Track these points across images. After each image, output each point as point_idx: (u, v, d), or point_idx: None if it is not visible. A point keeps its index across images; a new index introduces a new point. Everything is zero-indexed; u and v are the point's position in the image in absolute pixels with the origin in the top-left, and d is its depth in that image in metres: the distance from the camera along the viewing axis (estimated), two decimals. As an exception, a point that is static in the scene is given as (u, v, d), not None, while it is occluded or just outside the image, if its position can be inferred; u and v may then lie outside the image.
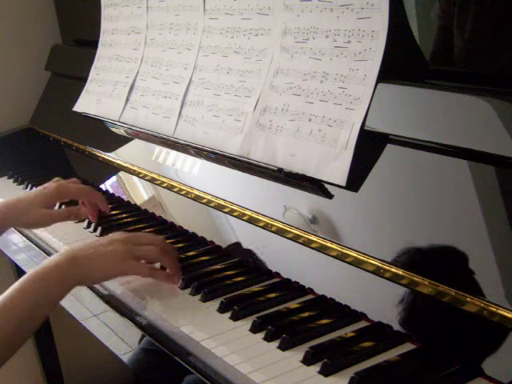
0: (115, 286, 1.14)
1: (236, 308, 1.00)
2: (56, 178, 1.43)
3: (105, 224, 1.39)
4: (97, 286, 1.17)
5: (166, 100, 1.46)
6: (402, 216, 0.96)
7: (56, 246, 1.36)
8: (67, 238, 1.37)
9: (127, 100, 1.60)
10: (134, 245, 1.07)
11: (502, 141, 0.85)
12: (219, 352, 0.91)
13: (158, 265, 1.13)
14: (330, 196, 1.05)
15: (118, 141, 1.63)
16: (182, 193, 1.36)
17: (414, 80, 0.99)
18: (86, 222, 1.41)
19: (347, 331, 0.93)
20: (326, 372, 0.84)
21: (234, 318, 0.99)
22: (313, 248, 1.05)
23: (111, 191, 1.63)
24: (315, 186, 1.06)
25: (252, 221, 1.17)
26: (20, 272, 1.90)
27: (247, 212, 1.18)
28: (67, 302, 1.39)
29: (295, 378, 0.84)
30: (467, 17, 0.96)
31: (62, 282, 1.00)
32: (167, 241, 1.29)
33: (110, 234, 1.10)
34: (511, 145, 0.84)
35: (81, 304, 1.28)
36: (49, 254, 1.36)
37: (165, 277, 1.08)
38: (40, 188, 1.35)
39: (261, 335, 0.94)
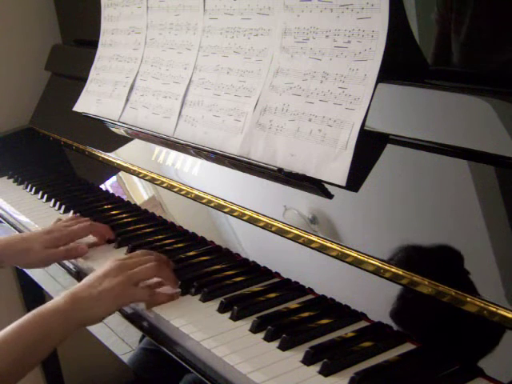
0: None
1: (236, 308, 1.00)
2: (58, 219, 1.41)
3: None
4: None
5: (166, 100, 1.46)
6: (402, 216, 0.96)
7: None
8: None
9: (127, 100, 1.60)
10: (130, 269, 1.07)
11: (502, 141, 0.85)
12: (219, 352, 0.91)
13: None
14: (329, 196, 1.05)
15: (118, 141, 1.63)
16: (182, 193, 1.36)
17: (414, 80, 0.99)
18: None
19: (347, 331, 0.93)
20: (326, 372, 0.84)
21: (234, 317, 0.99)
22: (313, 248, 1.05)
23: (111, 191, 1.63)
24: (315, 186, 1.06)
25: (252, 221, 1.17)
26: (20, 272, 1.90)
27: (247, 212, 1.18)
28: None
29: (295, 378, 0.84)
30: (464, 17, 0.97)
31: (62, 324, 1.00)
32: (167, 241, 1.30)
33: (104, 266, 1.08)
34: (511, 145, 0.84)
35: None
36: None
37: (165, 298, 1.07)
38: (44, 230, 1.31)
39: (261, 335, 0.94)
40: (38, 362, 1.02)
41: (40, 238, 1.27)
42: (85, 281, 1.06)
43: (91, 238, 1.33)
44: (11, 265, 1.43)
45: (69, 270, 1.30)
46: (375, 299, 0.96)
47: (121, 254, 1.27)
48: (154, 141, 1.48)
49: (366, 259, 0.96)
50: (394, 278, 0.92)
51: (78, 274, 1.27)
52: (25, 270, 1.61)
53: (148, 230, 1.37)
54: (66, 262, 1.31)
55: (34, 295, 1.95)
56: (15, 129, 2.04)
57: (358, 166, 1.01)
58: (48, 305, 1.01)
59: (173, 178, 1.40)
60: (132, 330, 1.09)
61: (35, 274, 1.58)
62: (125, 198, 1.56)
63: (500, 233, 0.84)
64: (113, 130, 1.66)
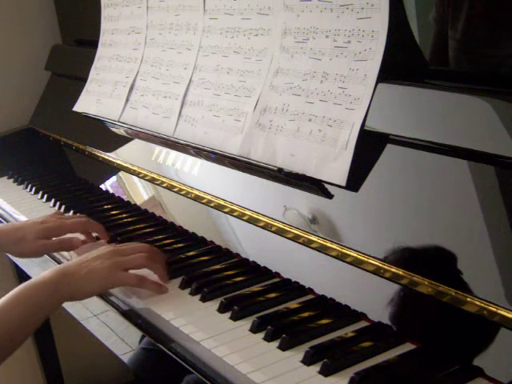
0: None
1: (236, 308, 1.00)
2: (55, 212, 1.42)
3: (105, 224, 1.39)
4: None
5: (166, 100, 1.46)
6: (402, 216, 0.96)
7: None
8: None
9: (127, 100, 1.60)
10: (121, 256, 1.09)
11: (502, 141, 0.85)
12: (219, 352, 0.91)
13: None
14: (329, 196, 1.05)
15: (118, 141, 1.63)
16: (182, 193, 1.36)
17: (414, 80, 0.99)
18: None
19: (347, 331, 0.93)
20: (326, 372, 0.84)
21: (234, 318, 0.99)
22: (313, 248, 1.05)
23: (111, 191, 1.63)
24: (315, 186, 1.06)
25: (252, 221, 1.17)
26: (20, 272, 1.90)
27: (247, 212, 1.18)
28: (67, 302, 1.39)
29: (295, 378, 0.85)
30: (462, 16, 0.97)
31: (51, 297, 1.03)
32: (167, 241, 1.30)
33: (98, 249, 1.12)
34: (511, 145, 0.84)
35: (81, 304, 1.28)
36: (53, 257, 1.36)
37: (152, 285, 1.09)
38: (38, 220, 1.32)
39: (261, 335, 0.94)
40: (29, 334, 1.04)
41: (33, 228, 1.29)
42: (76, 259, 1.09)
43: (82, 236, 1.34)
44: (4, 252, 1.44)
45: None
46: (375, 299, 0.96)
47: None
48: (153, 141, 1.48)
49: (366, 259, 0.96)
50: (394, 278, 0.92)
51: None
52: (24, 268, 1.62)
53: (148, 230, 1.37)
54: (62, 258, 1.32)
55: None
56: (15, 129, 2.04)
57: (357, 166, 1.01)
58: (37, 278, 1.04)
59: (173, 178, 1.40)
60: (132, 330, 1.09)
61: (34, 273, 1.58)
62: (125, 197, 1.56)
63: (500, 233, 0.84)
64: (113, 129, 1.66)
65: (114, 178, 1.66)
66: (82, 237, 1.32)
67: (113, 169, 1.63)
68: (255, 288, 1.08)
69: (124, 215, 1.47)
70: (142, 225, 1.40)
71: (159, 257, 1.15)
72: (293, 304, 1.01)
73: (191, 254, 1.22)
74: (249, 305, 1.02)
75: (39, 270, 1.49)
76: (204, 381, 0.90)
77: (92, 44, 1.80)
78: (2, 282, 1.96)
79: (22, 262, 1.60)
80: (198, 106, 1.37)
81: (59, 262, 1.32)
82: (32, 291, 1.02)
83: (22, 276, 1.92)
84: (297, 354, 0.89)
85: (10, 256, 1.68)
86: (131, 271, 1.10)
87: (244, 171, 1.22)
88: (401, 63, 1.05)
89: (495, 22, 0.95)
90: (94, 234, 1.34)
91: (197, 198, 1.32)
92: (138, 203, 1.51)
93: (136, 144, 1.59)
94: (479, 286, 0.83)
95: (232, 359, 0.89)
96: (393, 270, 0.93)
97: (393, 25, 1.00)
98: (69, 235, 1.30)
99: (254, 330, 0.96)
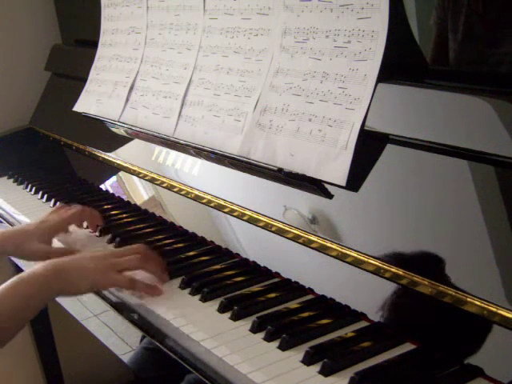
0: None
1: (236, 308, 1.00)
2: (56, 207, 1.43)
3: (105, 224, 1.39)
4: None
5: (166, 100, 1.46)
6: (401, 216, 0.96)
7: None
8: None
9: (127, 100, 1.60)
10: (115, 258, 1.10)
11: (502, 141, 0.85)
12: (219, 352, 0.91)
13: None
14: (329, 196, 1.05)
15: (118, 141, 1.63)
16: (182, 193, 1.36)
17: (414, 80, 0.99)
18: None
19: (347, 331, 0.93)
20: (325, 372, 0.84)
21: (234, 317, 0.99)
22: (313, 248, 1.05)
23: (111, 191, 1.63)
24: (315, 186, 1.06)
25: (252, 221, 1.17)
26: (19, 271, 1.89)
27: (247, 212, 1.18)
28: (67, 302, 1.40)
29: (295, 378, 0.84)
30: (461, 16, 0.97)
31: (42, 290, 1.04)
32: (167, 241, 1.30)
33: (93, 250, 1.14)
34: (511, 145, 0.84)
35: (81, 304, 1.28)
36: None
37: (144, 288, 1.09)
38: (38, 221, 1.34)
39: (261, 335, 0.94)
40: (21, 327, 1.05)
41: (35, 231, 1.30)
42: (72, 257, 1.10)
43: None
44: (8, 255, 1.46)
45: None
46: (375, 299, 0.96)
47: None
48: (153, 141, 1.48)
49: (366, 259, 0.96)
50: (394, 278, 0.92)
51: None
52: (24, 268, 1.61)
53: (148, 230, 1.37)
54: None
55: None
56: (15, 129, 2.04)
57: (358, 166, 1.01)
58: (29, 271, 1.05)
59: (173, 178, 1.40)
60: (132, 330, 1.09)
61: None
62: (125, 197, 1.56)
63: (500, 233, 0.84)
64: (113, 129, 1.66)
65: (113, 178, 1.66)
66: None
67: (113, 169, 1.63)
68: (255, 288, 1.08)
69: (124, 215, 1.47)
70: (141, 225, 1.40)
71: (154, 258, 1.15)
72: (293, 304, 1.01)
73: (191, 254, 1.22)
74: (249, 305, 1.02)
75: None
76: (204, 381, 0.90)
77: (92, 44, 1.80)
78: (1, 282, 1.96)
79: (23, 262, 1.60)
80: (198, 105, 1.37)
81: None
82: (24, 284, 1.03)
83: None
84: (297, 354, 0.89)
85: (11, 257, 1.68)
86: (127, 273, 1.10)
87: (244, 171, 1.22)
88: (401, 63, 1.05)
89: (495, 22, 0.95)
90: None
91: (197, 198, 1.32)
92: (138, 203, 1.51)
93: (136, 144, 1.59)
94: (479, 286, 0.83)
95: (232, 359, 0.89)
96: (393, 269, 0.93)
97: (393, 25, 1.00)
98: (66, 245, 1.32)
99: (254, 330, 0.96)
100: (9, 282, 1.03)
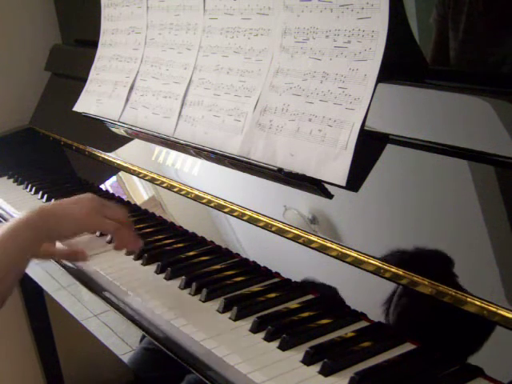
0: (117, 285, 1.14)
1: (236, 308, 1.00)
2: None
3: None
4: (97, 285, 1.17)
5: (166, 100, 1.46)
6: (401, 216, 0.96)
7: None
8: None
9: (127, 100, 1.60)
10: (101, 204, 1.11)
11: (502, 141, 0.85)
12: (219, 352, 0.91)
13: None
14: (330, 196, 1.05)
15: (118, 141, 1.63)
16: (182, 193, 1.36)
17: (414, 80, 0.99)
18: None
19: (347, 331, 0.93)
20: (325, 372, 0.84)
21: (234, 317, 0.99)
22: (313, 248, 1.05)
23: (111, 191, 1.63)
24: (315, 186, 1.06)
25: (252, 221, 1.17)
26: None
27: (247, 212, 1.18)
28: (67, 302, 1.40)
29: (295, 378, 0.85)
30: (462, 16, 0.97)
31: (31, 234, 1.03)
32: (167, 241, 1.30)
33: (79, 195, 1.13)
34: (511, 145, 0.84)
35: (81, 304, 1.28)
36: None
37: (128, 236, 1.10)
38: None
39: (261, 335, 0.94)
40: (17, 278, 1.05)
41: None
42: (58, 201, 1.12)
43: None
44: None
45: (68, 269, 1.30)
46: (375, 299, 0.96)
47: (120, 254, 1.27)
48: (153, 141, 1.48)
49: (366, 259, 0.96)
50: (394, 278, 0.92)
51: (78, 273, 1.27)
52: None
53: (148, 230, 1.37)
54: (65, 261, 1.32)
55: (33, 294, 1.96)
56: (15, 129, 2.04)
57: (357, 166, 1.01)
58: (19, 218, 1.04)
59: (173, 178, 1.40)
60: (132, 330, 1.09)
61: (35, 273, 1.58)
62: (125, 198, 1.56)
63: (500, 233, 0.84)
64: (113, 129, 1.66)
65: (113, 178, 1.66)
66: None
67: (113, 169, 1.63)
68: (255, 288, 1.08)
69: (124, 215, 1.47)
70: (142, 225, 1.40)
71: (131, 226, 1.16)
72: (293, 304, 1.01)
73: (191, 254, 1.22)
74: (249, 305, 1.02)
75: (40, 271, 1.49)
76: (204, 381, 0.90)
77: (92, 44, 1.80)
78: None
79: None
80: (198, 105, 1.37)
81: (64, 267, 1.32)
82: (16, 232, 1.02)
83: (22, 277, 1.92)
84: (297, 354, 0.89)
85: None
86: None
87: (244, 171, 1.22)
88: (401, 63, 1.05)
89: (496, 21, 0.95)
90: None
91: (197, 198, 1.32)
92: (138, 203, 1.51)
93: (136, 144, 1.59)
94: (479, 286, 0.83)
95: (232, 359, 0.89)
96: (393, 269, 0.93)
97: (393, 25, 1.00)
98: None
99: (254, 330, 0.96)
100: (7, 225, 1.02)
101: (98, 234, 1.36)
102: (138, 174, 1.53)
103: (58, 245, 1.31)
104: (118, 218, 1.12)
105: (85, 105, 1.75)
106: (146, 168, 1.50)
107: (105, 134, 1.69)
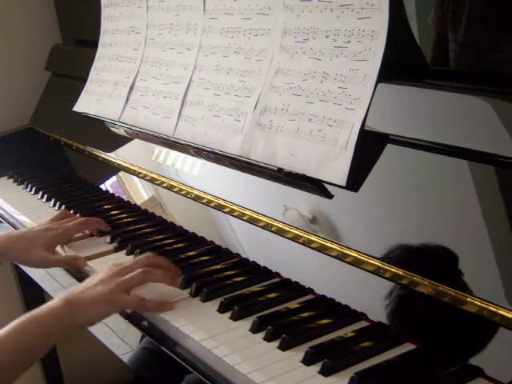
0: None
1: (236, 308, 1.00)
2: (59, 212, 1.44)
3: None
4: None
5: (166, 100, 1.46)
6: (401, 216, 0.96)
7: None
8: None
9: (127, 100, 1.60)
10: (121, 277, 1.06)
11: (502, 141, 0.85)
12: (219, 352, 0.91)
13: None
14: (329, 196, 1.05)
15: (118, 141, 1.63)
16: (182, 193, 1.36)
17: (414, 80, 0.99)
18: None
19: (347, 331, 0.93)
20: (325, 372, 0.84)
21: (234, 317, 0.99)
22: (313, 248, 1.05)
23: (111, 191, 1.63)
24: (315, 186, 1.06)
25: (252, 221, 1.17)
26: (20, 272, 1.90)
27: (247, 212, 1.18)
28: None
29: (295, 378, 0.84)
30: (461, 16, 0.97)
31: (57, 328, 1.01)
32: (167, 241, 1.30)
33: (97, 273, 1.10)
34: (511, 145, 0.84)
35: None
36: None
37: (153, 306, 1.06)
38: (43, 227, 1.33)
39: (261, 335, 0.94)
40: (34, 362, 1.03)
41: (39, 237, 1.29)
42: (80, 285, 1.07)
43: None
44: (10, 261, 1.44)
45: (68, 270, 1.30)
46: (375, 299, 0.96)
47: (121, 254, 1.27)
48: (153, 141, 1.48)
49: (366, 259, 0.96)
50: (394, 278, 0.92)
51: (78, 274, 1.27)
52: (25, 270, 1.62)
53: (148, 230, 1.37)
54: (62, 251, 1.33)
55: (33, 295, 1.95)
56: (15, 129, 2.04)
57: (357, 166, 1.01)
58: (43, 308, 1.02)
59: (173, 178, 1.40)
60: (132, 330, 1.09)
61: (35, 273, 1.58)
62: (125, 197, 1.56)
63: (500, 233, 0.84)
64: (113, 129, 1.66)
65: (113, 178, 1.66)
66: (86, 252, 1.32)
67: (113, 169, 1.63)
68: (255, 288, 1.08)
69: (124, 215, 1.47)
70: (142, 225, 1.40)
71: (160, 264, 1.12)
72: (293, 304, 1.01)
73: (191, 254, 1.22)
74: (249, 305, 1.02)
75: (40, 271, 1.49)
76: (204, 381, 0.90)
77: (92, 44, 1.80)
78: (2, 284, 1.96)
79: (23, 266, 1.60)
80: (198, 106, 1.37)
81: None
82: (38, 323, 1.00)
83: (22, 278, 1.93)
84: (297, 354, 0.89)
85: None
86: (142, 290, 1.08)
87: (244, 171, 1.22)
88: (401, 63, 1.05)
89: (496, 22, 0.95)
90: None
91: (197, 198, 1.32)
92: (138, 203, 1.51)
93: (136, 144, 1.59)
94: (479, 286, 0.83)
95: (232, 359, 0.89)
96: (393, 269, 0.93)
97: (393, 25, 1.00)
98: (73, 253, 1.31)
99: (254, 330, 0.96)
100: (24, 319, 1.00)
101: (98, 234, 1.37)
102: (137, 174, 1.53)
103: (57, 251, 1.32)
104: (140, 281, 1.08)
105: (85, 105, 1.75)
106: (145, 168, 1.50)
107: (105, 134, 1.69)
